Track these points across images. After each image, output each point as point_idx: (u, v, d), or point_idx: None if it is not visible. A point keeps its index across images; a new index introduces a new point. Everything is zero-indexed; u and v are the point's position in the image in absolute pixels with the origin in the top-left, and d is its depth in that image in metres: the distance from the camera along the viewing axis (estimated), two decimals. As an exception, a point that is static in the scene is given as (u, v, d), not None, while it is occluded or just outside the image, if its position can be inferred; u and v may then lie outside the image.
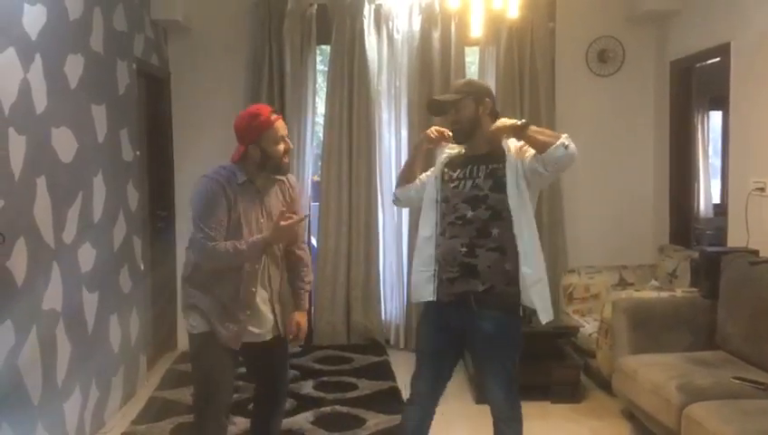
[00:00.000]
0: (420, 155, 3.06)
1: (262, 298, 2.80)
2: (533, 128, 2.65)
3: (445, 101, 2.85)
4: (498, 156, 2.76)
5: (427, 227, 2.85)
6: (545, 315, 2.74)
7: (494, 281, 2.69)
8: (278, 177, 2.84)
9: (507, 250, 2.70)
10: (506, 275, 2.71)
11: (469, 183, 2.77)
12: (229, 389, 2.86)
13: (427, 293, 2.80)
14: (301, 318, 2.96)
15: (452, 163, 2.87)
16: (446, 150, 2.97)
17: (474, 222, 2.71)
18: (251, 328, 2.78)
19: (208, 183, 2.68)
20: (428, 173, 3.00)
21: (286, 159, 2.79)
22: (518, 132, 2.66)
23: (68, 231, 3.47)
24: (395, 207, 5.55)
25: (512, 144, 2.78)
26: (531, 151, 2.66)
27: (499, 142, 2.77)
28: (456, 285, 2.73)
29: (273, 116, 2.76)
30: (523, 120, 2.68)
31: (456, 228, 2.74)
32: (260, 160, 2.73)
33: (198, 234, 2.65)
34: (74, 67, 3.63)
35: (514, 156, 2.73)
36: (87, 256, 3.71)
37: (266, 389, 3.05)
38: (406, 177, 3.07)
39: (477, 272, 2.69)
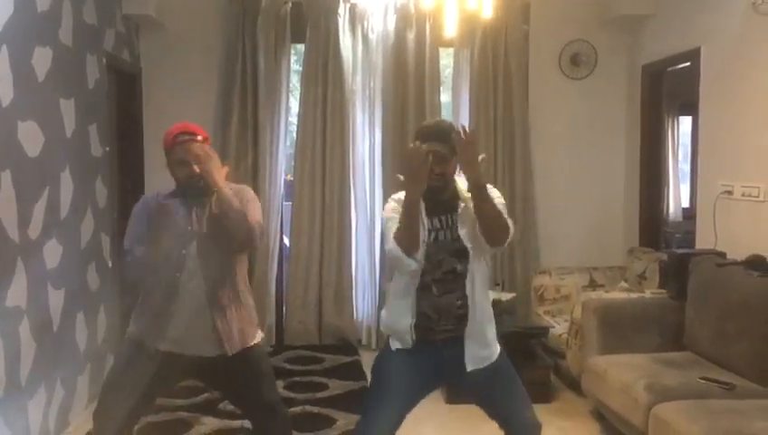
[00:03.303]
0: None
1: (191, 309, 2.68)
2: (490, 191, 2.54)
3: (447, 152, 2.58)
4: (456, 201, 2.67)
5: (414, 282, 2.62)
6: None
7: (484, 323, 2.71)
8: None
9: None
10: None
11: (449, 233, 2.63)
12: (128, 396, 2.67)
13: (406, 341, 2.66)
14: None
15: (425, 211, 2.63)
16: (395, 198, 2.69)
17: (464, 274, 2.63)
18: (175, 338, 2.69)
19: (137, 204, 2.83)
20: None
21: (197, 182, 2.66)
22: (480, 184, 2.50)
23: (33, 227, 3.40)
24: (368, 207, 5.55)
25: (464, 187, 2.68)
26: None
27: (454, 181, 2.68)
28: (449, 332, 2.66)
29: (180, 138, 2.68)
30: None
31: (449, 283, 2.63)
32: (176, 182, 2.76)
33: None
34: (42, 60, 3.56)
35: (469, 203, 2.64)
36: (53, 253, 3.64)
37: (243, 409, 2.97)
38: (416, 239, 2.55)
39: (467, 318, 2.66)
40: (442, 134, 2.59)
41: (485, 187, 2.51)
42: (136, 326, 2.77)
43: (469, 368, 2.64)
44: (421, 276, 2.61)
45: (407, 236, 2.52)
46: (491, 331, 2.74)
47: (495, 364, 2.71)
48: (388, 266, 2.69)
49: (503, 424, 2.72)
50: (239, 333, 2.74)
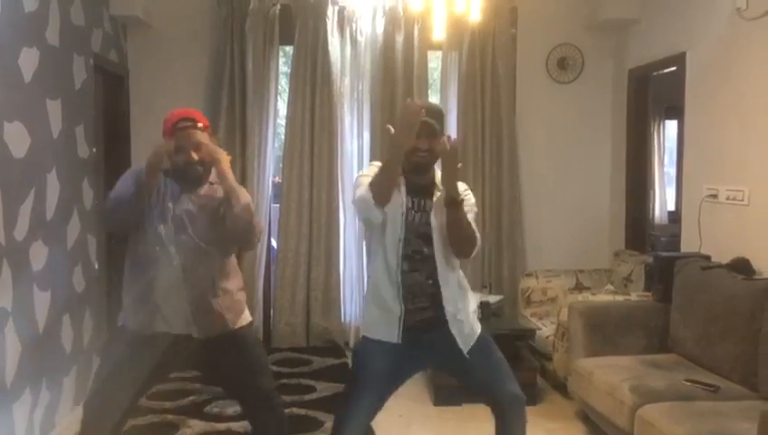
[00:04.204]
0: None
1: (170, 286, 2.66)
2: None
3: (436, 127, 2.67)
4: (433, 188, 2.71)
5: (393, 255, 2.66)
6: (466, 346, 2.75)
7: (460, 305, 2.73)
8: (212, 179, 2.75)
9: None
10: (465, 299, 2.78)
11: (418, 216, 2.68)
12: (122, 383, 2.64)
13: (392, 335, 2.68)
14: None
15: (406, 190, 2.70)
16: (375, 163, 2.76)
17: (431, 258, 2.68)
18: (160, 316, 2.67)
19: (129, 169, 2.82)
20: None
21: (196, 169, 2.67)
22: (456, 201, 2.57)
23: (19, 228, 3.38)
24: (355, 209, 5.54)
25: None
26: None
27: (433, 173, 2.74)
28: (426, 311, 2.70)
29: (180, 124, 2.66)
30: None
31: (417, 262, 2.68)
32: (173, 170, 2.71)
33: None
34: (29, 60, 3.54)
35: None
36: (39, 254, 3.62)
37: (235, 396, 2.94)
38: (390, 189, 2.58)
39: (443, 297, 2.70)
40: (433, 112, 2.68)
41: (461, 204, 2.58)
42: (124, 311, 2.76)
43: (465, 350, 2.70)
44: (402, 252, 2.65)
45: (383, 183, 2.56)
46: (469, 308, 2.79)
47: (480, 340, 2.77)
48: (366, 249, 2.79)
49: (489, 398, 2.79)
50: (221, 315, 2.73)
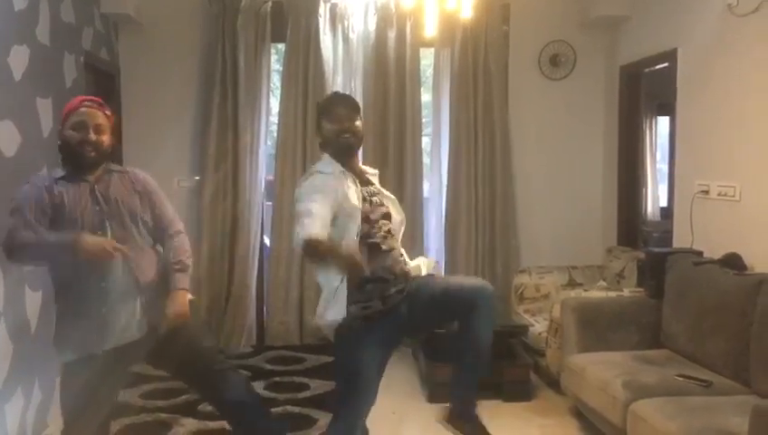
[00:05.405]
0: None
1: (122, 290, 2.59)
2: None
3: (356, 106, 2.82)
4: (365, 175, 2.86)
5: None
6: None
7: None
8: (114, 168, 2.69)
9: None
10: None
11: (376, 199, 2.77)
12: (94, 411, 2.61)
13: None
14: (172, 298, 2.65)
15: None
16: (319, 169, 2.77)
17: (395, 234, 2.79)
18: (111, 330, 2.57)
19: (25, 188, 2.62)
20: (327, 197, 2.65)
21: (89, 151, 2.58)
22: None
23: (10, 227, 3.36)
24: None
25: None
26: None
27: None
28: (400, 283, 2.73)
29: (87, 103, 2.63)
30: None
31: (390, 241, 2.74)
32: (64, 149, 2.62)
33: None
34: (19, 59, 3.52)
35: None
36: (30, 254, 3.60)
37: (192, 387, 2.92)
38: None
39: (404, 256, 2.84)
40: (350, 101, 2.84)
41: None
42: (64, 341, 2.65)
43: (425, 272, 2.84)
44: (369, 238, 2.65)
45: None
46: None
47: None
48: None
49: (460, 312, 2.75)
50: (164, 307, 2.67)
